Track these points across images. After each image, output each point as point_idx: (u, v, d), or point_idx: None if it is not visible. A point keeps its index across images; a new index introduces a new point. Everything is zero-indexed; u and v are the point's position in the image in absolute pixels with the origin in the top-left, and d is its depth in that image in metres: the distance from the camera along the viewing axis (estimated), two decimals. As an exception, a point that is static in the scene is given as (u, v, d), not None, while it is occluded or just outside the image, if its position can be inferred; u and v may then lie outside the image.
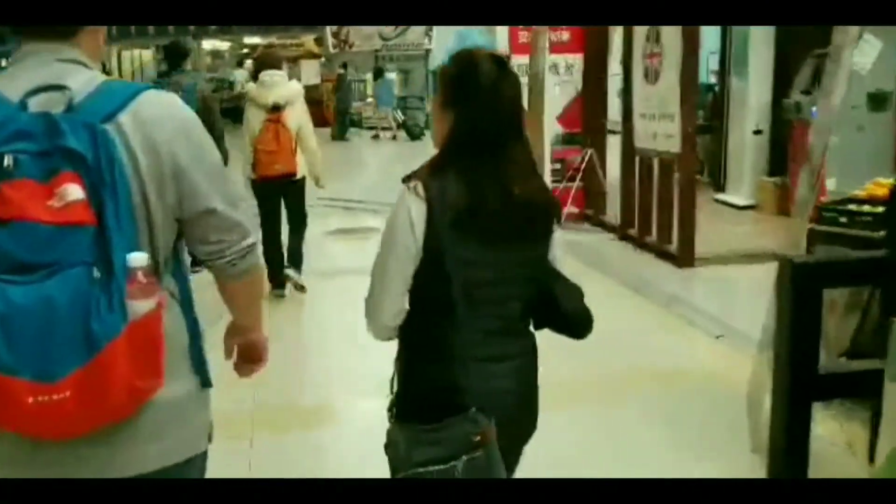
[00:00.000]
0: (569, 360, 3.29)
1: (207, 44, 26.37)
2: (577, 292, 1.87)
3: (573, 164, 8.18)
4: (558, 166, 8.20)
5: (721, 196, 8.72)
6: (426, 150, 16.82)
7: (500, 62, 1.79)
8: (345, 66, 21.10)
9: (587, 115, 8.35)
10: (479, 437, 1.66)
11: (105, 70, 1.73)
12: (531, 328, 1.91)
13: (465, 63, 1.80)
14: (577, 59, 8.35)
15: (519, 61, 8.00)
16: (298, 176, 5.57)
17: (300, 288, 5.97)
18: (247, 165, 5.52)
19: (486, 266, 1.76)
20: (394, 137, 19.18)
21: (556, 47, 7.98)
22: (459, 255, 1.70)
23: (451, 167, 1.74)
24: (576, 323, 1.88)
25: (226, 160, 6.72)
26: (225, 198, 1.52)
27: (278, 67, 5.64)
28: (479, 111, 1.74)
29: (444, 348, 1.73)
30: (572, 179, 8.07)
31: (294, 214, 5.85)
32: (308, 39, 24.60)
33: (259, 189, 5.52)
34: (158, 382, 1.38)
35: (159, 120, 1.45)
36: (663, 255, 6.66)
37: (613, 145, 8.19)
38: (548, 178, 7.37)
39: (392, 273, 1.76)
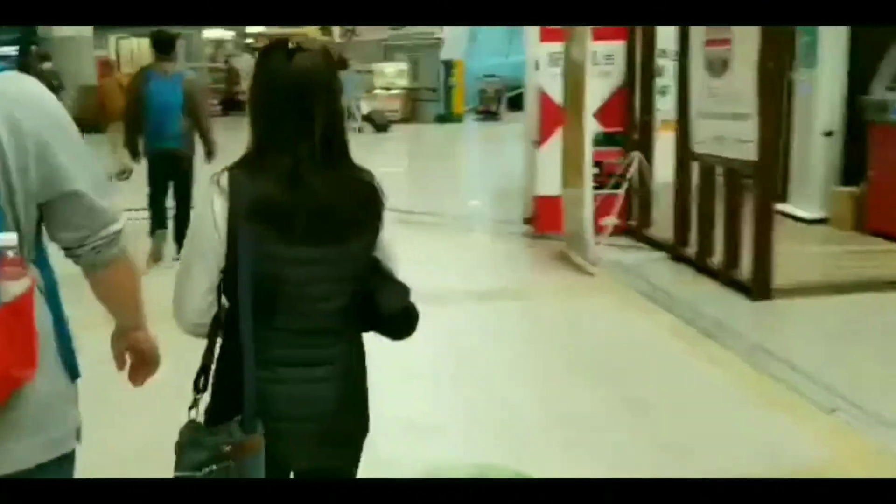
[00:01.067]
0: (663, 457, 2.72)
1: (210, 32, 24.50)
2: (400, 292, 1.80)
3: (613, 167, 7.06)
4: (596, 170, 7.06)
5: (784, 207, 7.55)
6: (392, 142, 17.22)
7: (293, 51, 1.72)
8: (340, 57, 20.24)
9: (630, 112, 7.21)
10: (229, 448, 1.61)
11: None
12: (359, 331, 1.84)
13: (260, 53, 1.81)
14: (617, 47, 7.21)
15: (550, 49, 7.04)
16: None
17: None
18: None
19: (293, 263, 1.71)
20: (359, 130, 18.03)
21: (595, 33, 6.85)
22: (260, 251, 1.66)
23: (253, 160, 1.73)
24: (393, 325, 1.80)
25: (213, 153, 6.09)
26: (91, 181, 1.50)
27: None
28: (263, 103, 1.74)
29: (237, 349, 1.67)
30: (615, 186, 6.93)
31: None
32: (312, 28, 23.33)
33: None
34: (32, 371, 1.38)
35: (21, 99, 1.43)
36: (731, 283, 5.53)
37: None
38: (590, 184, 6.27)
39: (195, 269, 1.73)
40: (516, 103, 21.26)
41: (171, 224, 6.34)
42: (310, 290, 1.73)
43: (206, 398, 1.73)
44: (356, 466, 1.90)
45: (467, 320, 5.20)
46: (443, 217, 8.48)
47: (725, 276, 5.60)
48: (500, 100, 20.35)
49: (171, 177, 6.20)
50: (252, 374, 1.64)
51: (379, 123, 18.67)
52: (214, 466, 1.60)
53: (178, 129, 5.98)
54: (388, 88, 20.46)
